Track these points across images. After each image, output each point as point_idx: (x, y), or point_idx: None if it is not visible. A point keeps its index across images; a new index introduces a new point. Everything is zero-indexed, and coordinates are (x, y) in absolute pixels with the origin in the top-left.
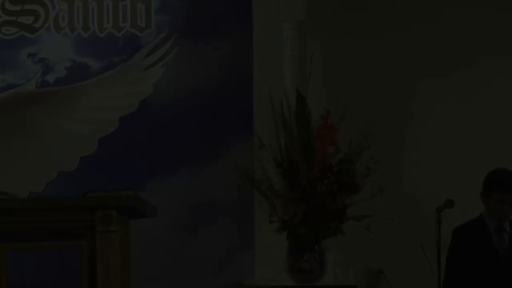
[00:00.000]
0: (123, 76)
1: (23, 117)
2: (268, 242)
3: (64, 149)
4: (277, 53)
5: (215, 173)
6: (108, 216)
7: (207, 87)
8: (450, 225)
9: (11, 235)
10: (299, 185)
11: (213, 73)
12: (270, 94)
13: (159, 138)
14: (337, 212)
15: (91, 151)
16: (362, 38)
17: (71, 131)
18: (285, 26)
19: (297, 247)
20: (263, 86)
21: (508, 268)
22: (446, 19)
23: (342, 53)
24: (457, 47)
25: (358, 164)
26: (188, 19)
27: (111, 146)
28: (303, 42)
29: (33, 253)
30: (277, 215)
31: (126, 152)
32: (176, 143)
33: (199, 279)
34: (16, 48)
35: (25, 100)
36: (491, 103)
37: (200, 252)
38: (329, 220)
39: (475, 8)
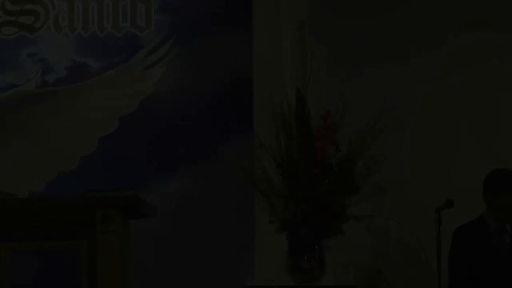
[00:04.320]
0: (123, 76)
1: (23, 117)
2: (268, 242)
3: (64, 149)
4: (277, 53)
5: (215, 173)
6: (108, 216)
7: (207, 87)
8: (450, 225)
9: (11, 235)
10: (299, 185)
11: (213, 73)
12: (270, 94)
13: (159, 138)
14: (337, 212)
15: (91, 151)
16: (362, 38)
17: (71, 131)
18: (285, 26)
19: (297, 247)
20: (263, 86)
21: (509, 268)
22: (449, 19)
23: (342, 53)
24: (461, 48)
25: (358, 164)
26: (188, 19)
27: (111, 146)
28: (303, 42)
29: (33, 253)
30: (277, 215)
31: (126, 152)
32: (176, 143)
33: (199, 279)
34: (16, 48)
35: (25, 100)
36: (492, 103)
37: (200, 252)
38: (329, 220)
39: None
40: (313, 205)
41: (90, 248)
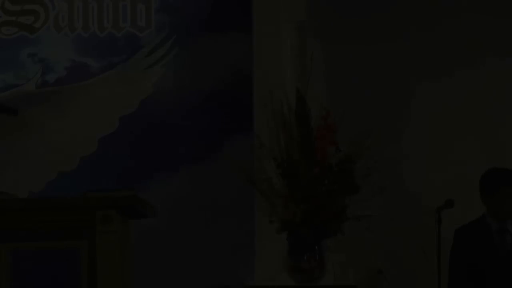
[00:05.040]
0: (123, 76)
1: (23, 117)
2: (268, 242)
3: (64, 149)
4: (277, 53)
5: (215, 173)
6: (108, 216)
7: (207, 87)
8: (450, 225)
9: (11, 235)
10: (299, 185)
11: (213, 73)
12: (270, 94)
13: (159, 138)
14: (337, 212)
15: (91, 151)
16: (362, 38)
17: (71, 131)
18: (285, 26)
19: (297, 247)
20: (263, 86)
21: (510, 269)
22: (446, 15)
23: (342, 53)
24: (456, 49)
25: (358, 164)
26: (188, 19)
27: (111, 146)
28: (303, 42)
29: (33, 253)
30: (277, 215)
31: (126, 152)
32: (176, 143)
33: (199, 279)
34: (16, 48)
35: (25, 100)
36: (491, 102)
37: (200, 252)
38: (329, 220)
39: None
40: (313, 205)
41: (90, 248)
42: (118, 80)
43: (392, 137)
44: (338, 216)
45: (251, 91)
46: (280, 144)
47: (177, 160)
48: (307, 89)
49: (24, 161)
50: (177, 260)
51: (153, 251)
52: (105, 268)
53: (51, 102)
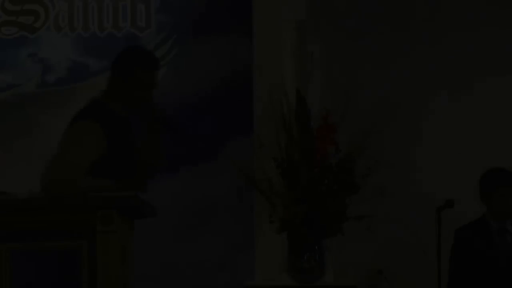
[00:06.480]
0: None
1: (23, 117)
2: (268, 242)
3: None
4: (277, 53)
5: (215, 173)
6: (108, 216)
7: (207, 87)
8: (450, 225)
9: (11, 235)
10: (299, 185)
11: (213, 73)
12: (270, 94)
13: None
14: (337, 212)
15: None
16: (362, 37)
17: None
18: (285, 26)
19: (297, 247)
20: (263, 86)
21: (510, 269)
22: (446, 15)
23: (342, 53)
24: (454, 47)
25: (358, 164)
26: (188, 19)
27: None
28: (303, 42)
29: (33, 253)
30: (277, 215)
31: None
32: (176, 143)
33: (199, 279)
34: (16, 48)
35: (25, 100)
36: (491, 103)
37: (200, 252)
38: (329, 220)
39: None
40: (313, 205)
41: (90, 248)
42: None
43: (392, 137)
44: (338, 216)
45: (251, 91)
46: (280, 144)
47: (177, 160)
48: (307, 89)
49: (24, 161)
50: (177, 260)
51: (153, 251)
52: (105, 268)
53: (51, 102)
